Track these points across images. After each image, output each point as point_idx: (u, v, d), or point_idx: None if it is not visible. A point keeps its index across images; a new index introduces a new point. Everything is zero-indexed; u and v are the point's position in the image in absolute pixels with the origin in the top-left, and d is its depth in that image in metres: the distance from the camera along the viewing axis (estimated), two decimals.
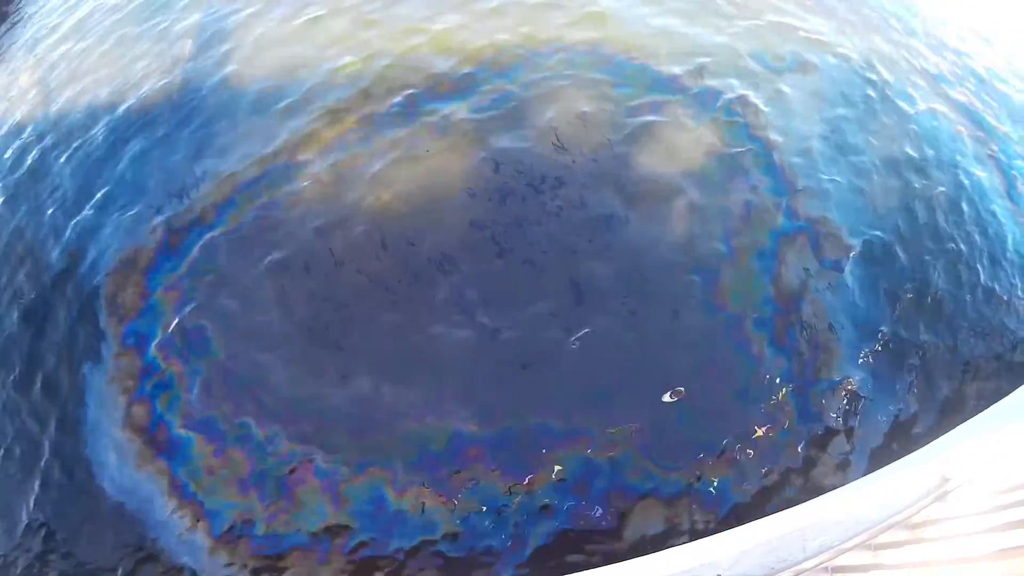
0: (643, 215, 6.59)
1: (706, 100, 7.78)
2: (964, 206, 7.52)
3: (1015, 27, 13.34)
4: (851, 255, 6.65)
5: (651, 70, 7.98)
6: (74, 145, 8.10)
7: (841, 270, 6.52)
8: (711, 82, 7.95)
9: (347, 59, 8.15)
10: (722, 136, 7.43)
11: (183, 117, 7.92)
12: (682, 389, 5.53)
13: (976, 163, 8.06)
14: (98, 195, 7.35)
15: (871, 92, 8.55)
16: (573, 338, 5.76)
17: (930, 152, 8.08)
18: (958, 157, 8.19)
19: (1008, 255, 7.24)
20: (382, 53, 8.18)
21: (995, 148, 8.52)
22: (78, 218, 7.23)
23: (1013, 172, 8.22)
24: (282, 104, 7.70)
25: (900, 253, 6.85)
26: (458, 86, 7.64)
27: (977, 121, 8.95)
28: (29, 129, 8.73)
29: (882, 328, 6.27)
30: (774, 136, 7.52)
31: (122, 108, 8.30)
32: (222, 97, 8.04)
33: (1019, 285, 7.06)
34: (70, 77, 9.26)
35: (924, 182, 7.66)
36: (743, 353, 5.82)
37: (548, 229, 6.35)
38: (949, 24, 11.56)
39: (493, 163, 6.77)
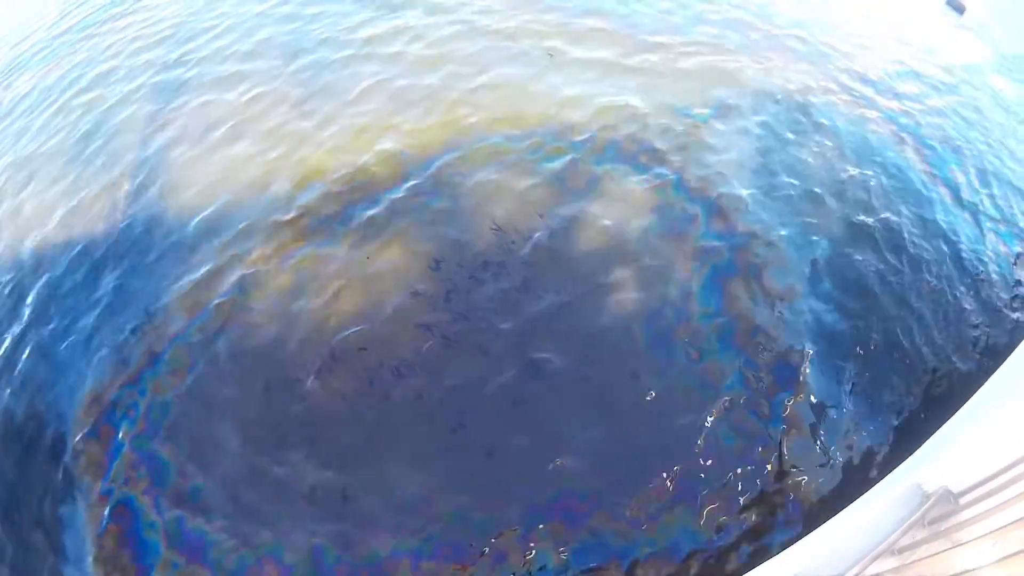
0: (588, 286, 6.59)
1: (635, 162, 7.90)
2: (905, 216, 7.81)
3: (917, 26, 14.36)
4: (801, 280, 6.75)
5: (573, 139, 8.13)
6: (19, 283, 8.09)
7: (793, 298, 6.59)
8: (638, 143, 8.11)
9: (273, 176, 8.23)
10: (656, 196, 7.52)
11: (125, 252, 7.90)
12: None
13: (914, 176, 8.49)
14: (48, 335, 7.28)
15: (795, 116, 8.91)
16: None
17: (858, 160, 8.47)
18: (886, 155, 8.68)
19: (952, 241, 7.65)
20: (304, 165, 8.27)
21: (923, 148, 9.16)
22: (29, 361, 7.16)
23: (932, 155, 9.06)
24: (215, 230, 7.71)
25: (846, 262, 7.03)
26: (385, 186, 7.71)
27: (894, 117, 9.60)
28: None
29: (844, 345, 6.31)
30: (708, 184, 7.65)
31: (65, 244, 8.31)
32: (162, 229, 8.02)
33: (958, 271, 7.34)
34: (12, 212, 9.36)
35: (860, 194, 7.94)
36: (709, 406, 5.73)
37: (495, 317, 6.33)
38: (851, 31, 12.65)
39: (432, 260, 6.78)
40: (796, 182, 7.93)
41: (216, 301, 6.95)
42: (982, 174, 9.12)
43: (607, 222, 7.16)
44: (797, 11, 12.74)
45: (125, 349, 6.82)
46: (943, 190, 8.52)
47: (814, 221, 7.46)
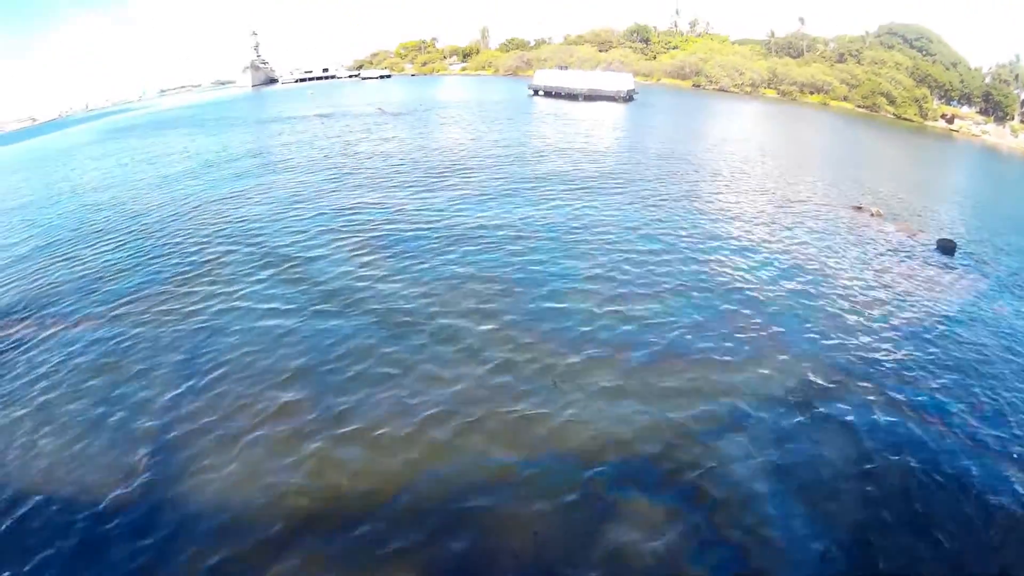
0: None
1: (644, 485, 7.76)
2: (920, 486, 7.85)
3: (910, 275, 15.07)
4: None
5: (582, 465, 8.05)
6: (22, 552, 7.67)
7: None
8: (646, 466, 8.01)
9: (291, 488, 8.07)
10: (669, 518, 7.36)
11: (131, 532, 7.71)
12: None
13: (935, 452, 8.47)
14: None
15: (801, 413, 9.06)
16: None
17: (865, 441, 8.51)
18: (896, 429, 8.73)
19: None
20: (327, 477, 8.20)
21: (930, 407, 9.26)
22: None
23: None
24: (219, 535, 7.48)
25: (866, 548, 7.06)
26: (391, 504, 7.64)
27: (894, 385, 9.72)
28: None
29: None
30: (721, 499, 7.61)
31: (69, 512, 8.08)
32: (170, 516, 7.81)
33: None
34: (22, 466, 9.17)
35: (870, 475, 7.95)
36: None
37: None
38: (844, 294, 13.01)
39: None
40: (810, 481, 7.83)
41: None
42: (993, 418, 9.22)
43: (618, 548, 7.04)
44: (782, 291, 13.23)
45: None
46: (954, 444, 8.60)
47: (830, 517, 7.37)
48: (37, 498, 8.39)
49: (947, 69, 73.21)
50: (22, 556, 7.53)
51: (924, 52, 74.70)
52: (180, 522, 7.69)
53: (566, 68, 76.39)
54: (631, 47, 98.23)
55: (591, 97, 61.14)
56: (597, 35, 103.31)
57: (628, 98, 60.65)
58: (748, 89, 79.51)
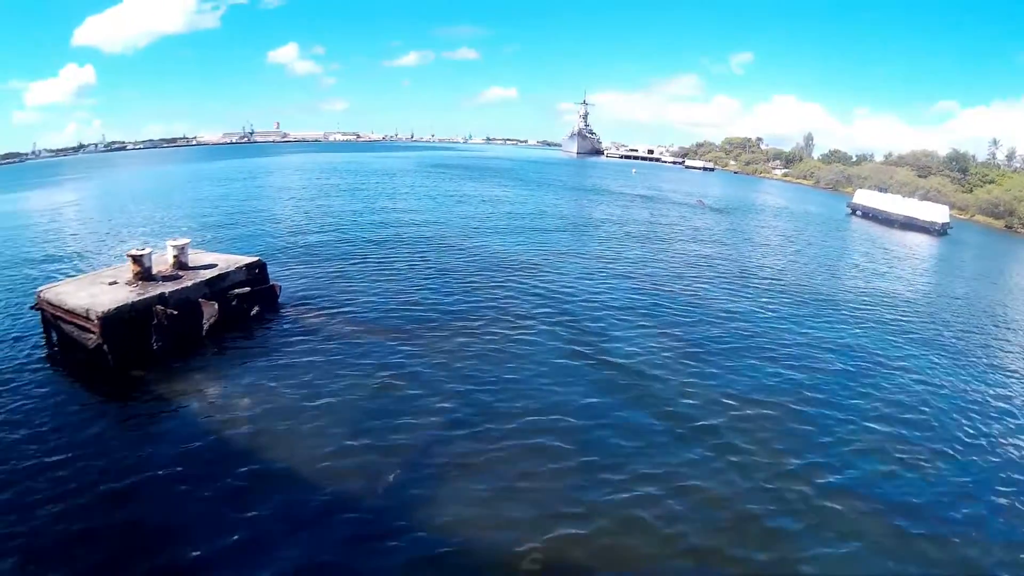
0: None
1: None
2: None
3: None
4: None
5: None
6: (264, 496, 8.48)
7: None
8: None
9: (526, 539, 8.30)
10: None
11: (369, 523, 8.40)
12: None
13: None
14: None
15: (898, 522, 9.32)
16: None
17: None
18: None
19: None
20: (563, 542, 8.35)
21: None
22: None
23: None
24: (456, 560, 7.84)
25: None
26: None
27: None
28: (228, 452, 9.33)
29: None
30: None
31: (308, 483, 8.87)
32: (394, 529, 8.30)
33: None
34: (285, 440, 9.85)
35: None
36: None
37: None
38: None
39: None
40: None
41: None
42: None
43: None
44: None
45: None
46: None
47: None
48: (287, 467, 9.17)
49: None
50: (259, 514, 8.34)
51: None
52: (408, 527, 8.21)
53: (885, 190, 75.95)
54: (948, 176, 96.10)
55: (907, 225, 61.15)
56: (917, 158, 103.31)
57: (942, 232, 59.96)
58: None
